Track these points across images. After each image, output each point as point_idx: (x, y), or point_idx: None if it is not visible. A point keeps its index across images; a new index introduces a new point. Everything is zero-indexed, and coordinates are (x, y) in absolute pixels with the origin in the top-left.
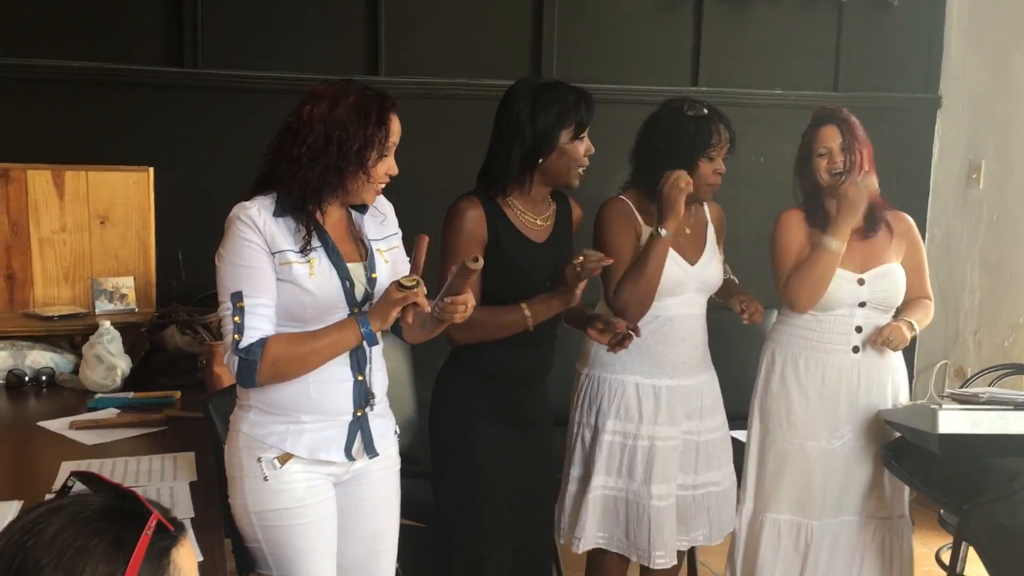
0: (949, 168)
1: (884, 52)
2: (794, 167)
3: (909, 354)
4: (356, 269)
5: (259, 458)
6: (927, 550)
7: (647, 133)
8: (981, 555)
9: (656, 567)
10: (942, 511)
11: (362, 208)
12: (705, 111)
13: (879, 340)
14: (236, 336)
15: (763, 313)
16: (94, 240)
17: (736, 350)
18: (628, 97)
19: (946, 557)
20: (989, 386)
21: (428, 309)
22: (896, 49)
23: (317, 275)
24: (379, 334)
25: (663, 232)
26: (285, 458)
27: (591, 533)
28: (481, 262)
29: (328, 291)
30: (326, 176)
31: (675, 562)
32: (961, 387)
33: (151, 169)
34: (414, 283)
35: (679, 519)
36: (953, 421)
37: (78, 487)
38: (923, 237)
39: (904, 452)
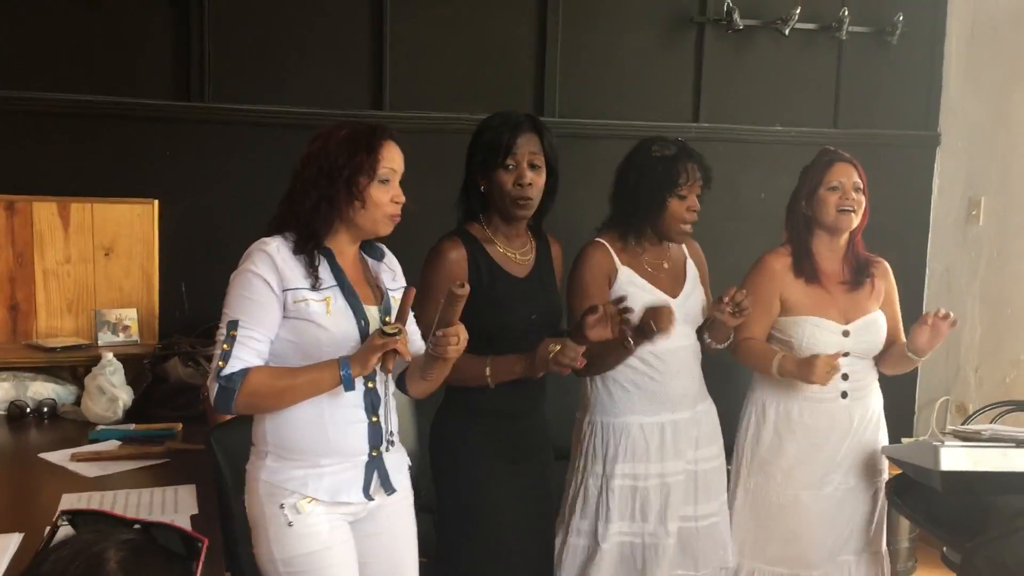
0: (949, 204)
1: (883, 89)
2: (788, 203)
3: (910, 389)
4: (371, 311)
5: (281, 504)
6: None
7: (620, 174)
8: None
9: None
10: (945, 548)
11: (377, 255)
12: (674, 150)
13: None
14: (221, 363)
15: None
16: (98, 272)
17: (734, 384)
18: (630, 132)
19: None
20: (991, 423)
21: (409, 357)
22: (895, 86)
23: (333, 313)
24: (357, 381)
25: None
26: (307, 502)
27: None
28: (467, 288)
29: (344, 329)
30: (319, 206)
31: None
32: (963, 423)
33: (156, 202)
34: (396, 331)
35: (686, 552)
36: (955, 458)
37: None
38: (923, 273)
39: (907, 489)
